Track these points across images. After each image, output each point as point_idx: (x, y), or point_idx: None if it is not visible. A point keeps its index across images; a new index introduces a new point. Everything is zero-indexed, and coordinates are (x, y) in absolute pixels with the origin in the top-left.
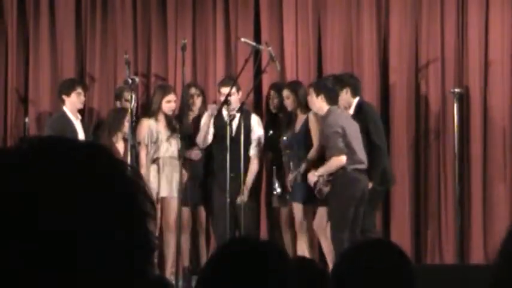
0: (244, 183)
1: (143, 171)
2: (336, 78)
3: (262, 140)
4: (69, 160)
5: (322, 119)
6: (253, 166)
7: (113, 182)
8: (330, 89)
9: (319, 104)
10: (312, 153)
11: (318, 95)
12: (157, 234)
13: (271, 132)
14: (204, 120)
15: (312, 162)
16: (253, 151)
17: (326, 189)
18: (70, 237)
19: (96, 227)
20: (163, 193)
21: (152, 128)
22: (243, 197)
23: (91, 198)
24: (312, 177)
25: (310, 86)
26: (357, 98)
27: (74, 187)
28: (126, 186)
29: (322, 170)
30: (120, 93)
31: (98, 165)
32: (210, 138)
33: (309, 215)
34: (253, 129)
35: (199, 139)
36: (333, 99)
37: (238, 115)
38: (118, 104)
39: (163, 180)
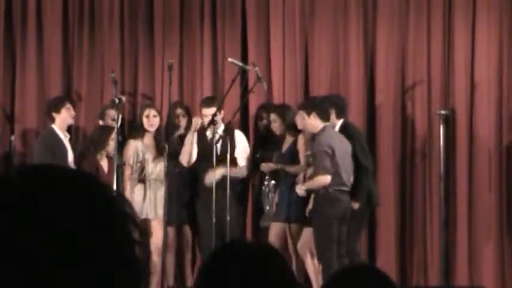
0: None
1: (127, 192)
2: (322, 98)
3: (248, 151)
4: (58, 190)
5: (315, 137)
6: (242, 168)
7: (101, 212)
8: (319, 106)
9: (313, 122)
10: (296, 168)
11: (309, 114)
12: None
13: (257, 156)
14: (187, 138)
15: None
16: (241, 160)
17: None
18: (57, 267)
19: (83, 257)
20: (149, 215)
21: (138, 148)
22: (212, 174)
23: (79, 229)
24: (300, 190)
25: (300, 109)
26: (342, 120)
27: (55, 222)
28: (115, 215)
29: (308, 185)
30: (103, 111)
31: (87, 195)
32: (194, 157)
33: (292, 234)
34: (238, 144)
35: (183, 158)
36: (325, 116)
37: (222, 134)
38: (101, 122)
39: (149, 202)
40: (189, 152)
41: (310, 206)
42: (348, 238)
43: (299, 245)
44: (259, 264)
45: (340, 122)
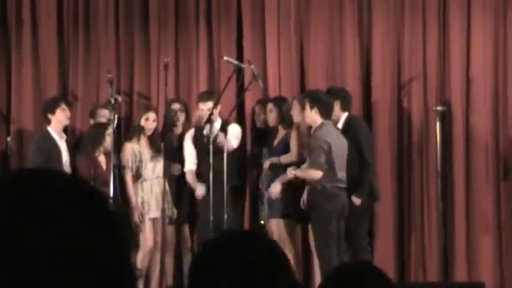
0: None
1: (132, 195)
2: (327, 90)
3: (240, 137)
4: (58, 190)
5: (313, 131)
6: (229, 143)
7: (94, 216)
8: (325, 102)
9: (312, 116)
10: (286, 157)
11: (312, 107)
12: (147, 254)
13: (254, 151)
14: (186, 148)
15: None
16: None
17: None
18: (57, 267)
19: (83, 257)
20: (155, 214)
21: (135, 150)
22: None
23: (79, 229)
24: (290, 173)
25: (304, 98)
26: (346, 113)
27: (55, 222)
28: (108, 220)
29: (298, 172)
30: (94, 110)
31: (79, 200)
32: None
33: (290, 230)
34: (230, 133)
35: (189, 178)
36: (327, 114)
37: (218, 133)
38: (92, 121)
39: (154, 201)
40: (193, 169)
41: (303, 197)
42: (355, 235)
43: (311, 239)
44: (246, 249)
45: (344, 116)
